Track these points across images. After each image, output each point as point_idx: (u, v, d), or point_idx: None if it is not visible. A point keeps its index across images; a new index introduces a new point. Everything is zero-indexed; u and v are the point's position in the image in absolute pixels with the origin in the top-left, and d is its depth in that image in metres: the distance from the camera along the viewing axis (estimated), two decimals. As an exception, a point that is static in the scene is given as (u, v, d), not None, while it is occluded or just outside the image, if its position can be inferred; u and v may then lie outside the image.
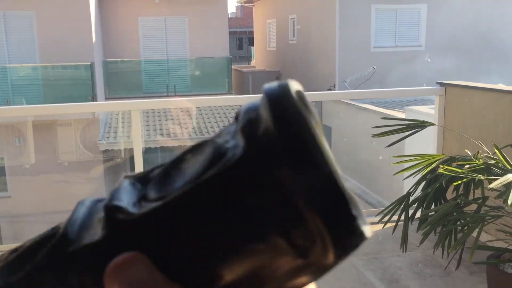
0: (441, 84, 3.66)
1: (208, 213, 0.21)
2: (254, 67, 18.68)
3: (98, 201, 0.24)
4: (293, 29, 14.19)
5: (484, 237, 2.68)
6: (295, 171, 0.20)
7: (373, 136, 2.65)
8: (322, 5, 12.14)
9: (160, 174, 0.23)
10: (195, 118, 10.54)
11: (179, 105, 9.29)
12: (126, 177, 0.24)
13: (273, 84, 0.23)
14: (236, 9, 32.31)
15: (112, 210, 0.21)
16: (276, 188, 0.20)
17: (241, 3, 19.92)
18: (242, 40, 29.43)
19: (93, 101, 10.19)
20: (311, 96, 5.45)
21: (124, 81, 12.14)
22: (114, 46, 12.34)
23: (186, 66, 12.61)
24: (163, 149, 10.20)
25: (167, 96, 11.93)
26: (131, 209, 0.21)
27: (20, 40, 10.64)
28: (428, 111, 5.13)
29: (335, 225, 0.20)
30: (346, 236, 0.20)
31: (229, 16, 15.81)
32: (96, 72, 10.71)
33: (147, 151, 9.55)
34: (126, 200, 0.22)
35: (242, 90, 14.43)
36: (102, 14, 12.12)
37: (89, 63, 10.36)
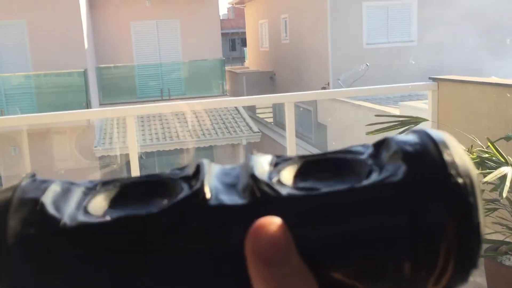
0: (434, 79, 3.67)
1: (354, 216, 0.22)
2: (247, 68, 18.69)
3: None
4: (286, 29, 14.20)
5: None
6: (450, 212, 0.22)
7: (367, 134, 2.66)
8: (314, 4, 12.16)
9: (303, 166, 0.24)
10: (190, 121, 10.53)
11: (175, 109, 9.28)
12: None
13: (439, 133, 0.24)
14: (227, 10, 32.32)
15: (261, 182, 0.23)
16: (424, 216, 0.21)
17: (233, 4, 19.93)
18: (234, 41, 29.44)
19: (87, 107, 10.17)
20: (305, 96, 5.46)
21: (118, 86, 12.13)
22: (107, 51, 12.32)
23: (180, 69, 12.61)
24: (159, 153, 10.19)
25: (162, 100, 11.92)
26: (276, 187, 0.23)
27: (12, 49, 10.61)
28: (422, 106, 5.14)
29: (460, 274, 0.22)
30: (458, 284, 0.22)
31: (220, 18, 15.81)
32: (90, 79, 10.70)
33: (143, 156, 9.54)
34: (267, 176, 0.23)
35: (237, 92, 14.44)
36: (94, 20, 12.10)
37: (82, 70, 10.34)
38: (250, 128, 10.24)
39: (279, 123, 12.53)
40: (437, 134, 0.24)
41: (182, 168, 0.25)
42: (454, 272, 0.22)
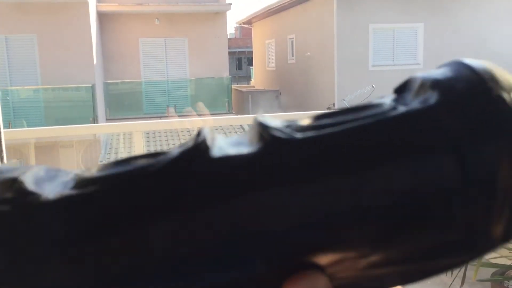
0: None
1: (387, 152, 0.19)
2: (253, 86, 18.81)
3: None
4: (292, 49, 14.33)
5: (487, 254, 2.68)
6: (502, 145, 0.19)
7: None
8: (320, 25, 12.29)
9: (318, 117, 0.21)
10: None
11: (181, 126, 9.33)
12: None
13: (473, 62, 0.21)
14: (235, 30, 32.67)
15: (271, 127, 0.19)
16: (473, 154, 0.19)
17: (240, 24, 20.16)
18: (241, 60, 29.68)
19: (94, 122, 10.24)
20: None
21: (125, 102, 12.23)
22: (115, 67, 12.45)
23: (186, 86, 12.71)
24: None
25: (168, 116, 11.99)
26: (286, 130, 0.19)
27: (22, 62, 10.75)
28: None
29: None
30: None
31: (228, 37, 15.99)
32: (97, 94, 10.79)
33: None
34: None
35: (242, 110, 14.51)
36: (103, 36, 12.26)
37: (90, 85, 10.45)
38: (255, 146, 10.26)
39: (284, 142, 12.54)
40: (474, 61, 0.21)
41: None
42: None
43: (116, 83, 12.30)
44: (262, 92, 16.12)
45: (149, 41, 12.70)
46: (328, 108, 11.19)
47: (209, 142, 0.19)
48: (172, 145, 10.59)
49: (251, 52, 20.24)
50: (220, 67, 12.72)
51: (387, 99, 0.21)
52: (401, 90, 0.21)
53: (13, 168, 0.20)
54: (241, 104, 15.13)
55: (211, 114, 11.33)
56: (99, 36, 11.87)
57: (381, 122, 0.19)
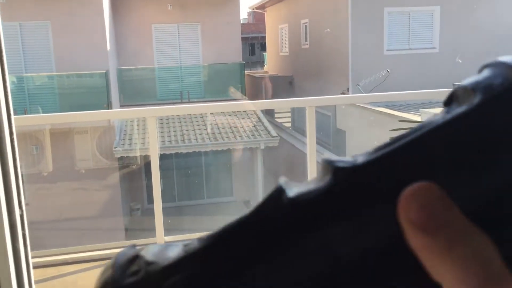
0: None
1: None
2: (267, 72, 18.71)
3: None
4: (306, 34, 14.19)
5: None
6: None
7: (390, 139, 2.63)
8: (334, 9, 12.13)
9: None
10: (209, 124, 10.58)
11: (194, 111, 9.34)
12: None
13: None
14: (248, 15, 32.44)
15: (330, 161, 0.21)
16: None
17: (253, 9, 20.00)
18: (254, 45, 29.51)
19: (108, 108, 10.30)
20: (327, 100, 5.45)
21: (138, 88, 12.26)
22: (128, 54, 12.47)
23: (199, 72, 12.69)
24: (177, 155, 10.25)
25: (181, 102, 12.01)
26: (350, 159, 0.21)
27: (36, 49, 10.81)
28: (444, 114, 5.07)
29: None
30: None
31: (241, 22, 15.88)
32: (111, 80, 10.83)
33: (162, 158, 9.61)
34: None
35: (255, 96, 14.46)
36: (116, 23, 12.26)
37: (104, 71, 10.48)
38: (269, 132, 10.24)
39: (298, 128, 12.51)
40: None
41: None
42: None
43: (130, 69, 12.32)
44: (275, 77, 16.03)
45: (162, 27, 12.67)
46: (342, 93, 11.10)
47: (285, 186, 0.21)
48: (186, 131, 10.57)
49: (264, 37, 20.10)
50: (233, 52, 12.66)
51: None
52: (449, 102, 0.22)
53: (130, 249, 0.23)
54: (254, 89, 15.07)
55: (224, 100, 11.31)
56: (112, 23, 11.87)
57: (432, 131, 0.20)
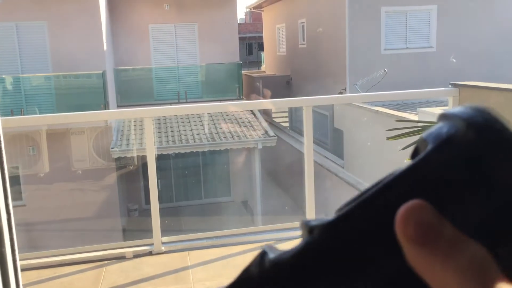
0: (454, 85, 3.62)
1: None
2: (264, 72, 18.69)
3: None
4: (303, 33, 14.18)
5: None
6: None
7: (388, 139, 2.62)
8: (332, 9, 12.12)
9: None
10: (206, 124, 10.56)
11: (191, 112, 9.31)
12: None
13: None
14: (245, 15, 32.41)
15: (306, 222, 0.24)
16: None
17: (250, 9, 19.98)
18: (251, 45, 29.49)
19: (105, 109, 10.27)
20: (324, 100, 5.43)
21: (135, 88, 12.23)
22: (125, 54, 12.44)
23: (197, 72, 12.66)
24: (175, 155, 10.23)
25: (178, 102, 11.98)
26: None
27: (33, 50, 10.77)
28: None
29: None
30: None
31: (238, 22, 15.87)
32: (108, 80, 10.80)
33: (159, 158, 9.58)
34: None
35: (253, 95, 14.44)
36: (113, 23, 12.23)
37: (101, 72, 10.45)
38: (266, 132, 10.22)
39: (295, 128, 12.50)
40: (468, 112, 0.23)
41: None
42: None
43: (127, 70, 12.29)
44: (273, 77, 16.01)
45: (159, 27, 12.64)
46: (340, 93, 11.09)
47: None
48: (183, 131, 10.51)
49: (262, 37, 20.08)
50: (230, 52, 12.64)
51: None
52: (415, 155, 0.25)
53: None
54: (252, 89, 15.05)
55: (222, 100, 11.29)
56: (109, 23, 11.84)
57: (389, 183, 0.23)
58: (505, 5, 11.39)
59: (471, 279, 0.19)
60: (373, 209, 0.22)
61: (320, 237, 0.22)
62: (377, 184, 0.23)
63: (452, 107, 3.78)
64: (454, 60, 10.57)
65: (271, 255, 0.23)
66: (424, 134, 0.24)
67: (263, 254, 0.23)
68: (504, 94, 3.24)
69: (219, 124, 10.56)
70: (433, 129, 0.24)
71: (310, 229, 0.23)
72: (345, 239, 0.22)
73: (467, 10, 11.33)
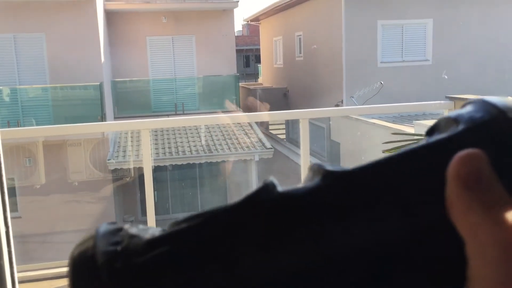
0: (450, 98, 3.65)
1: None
2: (261, 84, 18.77)
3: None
4: (300, 46, 14.27)
5: None
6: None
7: (384, 151, 2.64)
8: (328, 22, 12.22)
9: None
10: (203, 136, 10.57)
11: (188, 124, 9.32)
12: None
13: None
14: (242, 27, 32.61)
15: (320, 165, 0.23)
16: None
17: (248, 21, 20.11)
18: (249, 57, 29.64)
19: (102, 120, 10.27)
20: (320, 113, 5.45)
21: (133, 100, 12.25)
22: (122, 66, 12.48)
23: (194, 84, 12.70)
24: (171, 167, 10.22)
25: (176, 114, 12.00)
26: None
27: (30, 61, 10.80)
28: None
29: None
30: None
31: (235, 34, 15.96)
32: (105, 92, 10.82)
33: (156, 170, 9.57)
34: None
35: (250, 107, 14.48)
36: (111, 35, 12.29)
37: (98, 83, 10.47)
38: (263, 144, 10.23)
39: (292, 140, 12.52)
40: (495, 98, 0.23)
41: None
42: None
43: (124, 82, 12.32)
44: (270, 89, 16.08)
45: (156, 39, 12.70)
46: (336, 105, 11.14)
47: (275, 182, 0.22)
48: (180, 143, 10.52)
49: (259, 49, 20.19)
50: (227, 64, 12.70)
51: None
52: (431, 132, 0.24)
53: (111, 223, 0.23)
54: (249, 101, 15.10)
55: (219, 112, 11.32)
56: (106, 35, 11.89)
57: (413, 151, 0.22)
58: (500, 19, 11.52)
59: (507, 233, 0.20)
60: (394, 169, 0.22)
61: (335, 181, 0.22)
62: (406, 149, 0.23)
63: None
64: (446, 77, 10.65)
65: (280, 188, 0.22)
66: (451, 114, 0.24)
67: (271, 185, 0.22)
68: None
69: (216, 136, 10.57)
70: (462, 111, 0.24)
71: (325, 172, 0.22)
72: (359, 191, 0.22)
73: (463, 24, 11.44)
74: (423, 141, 0.24)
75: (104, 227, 0.23)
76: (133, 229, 0.22)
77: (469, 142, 0.22)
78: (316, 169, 0.23)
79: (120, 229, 0.22)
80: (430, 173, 0.22)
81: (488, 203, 0.20)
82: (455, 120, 0.23)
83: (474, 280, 0.20)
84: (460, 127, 0.23)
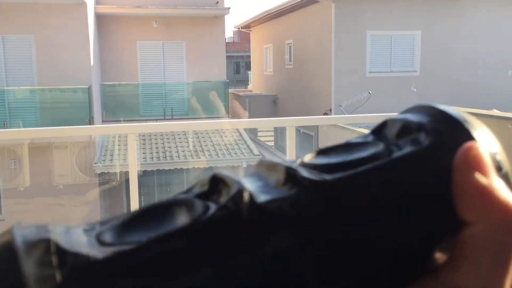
0: (435, 110, 3.69)
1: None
2: (251, 91, 18.81)
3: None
4: (290, 54, 14.35)
5: None
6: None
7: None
8: (318, 31, 12.31)
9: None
10: (191, 141, 10.55)
11: (175, 129, 9.31)
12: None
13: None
14: (233, 34, 32.70)
15: (298, 169, 0.21)
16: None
17: (239, 28, 20.18)
18: (239, 64, 29.71)
19: (90, 124, 10.21)
20: (307, 121, 5.48)
21: (121, 104, 12.20)
22: (112, 69, 12.43)
23: (183, 89, 12.69)
24: (159, 172, 10.18)
25: (164, 119, 11.97)
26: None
27: (19, 63, 10.72)
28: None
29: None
30: None
31: (226, 41, 16.00)
32: (94, 95, 10.77)
33: (143, 174, 9.52)
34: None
35: (239, 114, 14.49)
36: (101, 38, 12.25)
37: (87, 86, 10.42)
38: (251, 150, 10.25)
39: (280, 147, 12.55)
40: (444, 106, 0.23)
41: (188, 190, 0.22)
42: None
43: (113, 85, 12.27)
44: (259, 96, 16.12)
45: (146, 43, 12.69)
46: (325, 114, 11.20)
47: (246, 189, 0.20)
48: (168, 148, 10.51)
49: (249, 56, 20.26)
50: (217, 71, 12.72)
51: (369, 138, 0.23)
52: (379, 131, 0.24)
53: (32, 229, 0.19)
54: (238, 108, 15.12)
55: (208, 118, 11.31)
56: (96, 38, 11.85)
57: (392, 162, 0.21)
58: (488, 31, 11.70)
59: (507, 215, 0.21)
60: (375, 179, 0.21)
61: (313, 194, 0.20)
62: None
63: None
64: (415, 90, 10.78)
65: (260, 198, 0.20)
66: (408, 117, 0.23)
67: (248, 194, 0.20)
68: (484, 119, 3.32)
69: (204, 141, 10.57)
70: (417, 118, 0.23)
71: (302, 179, 0.20)
72: (341, 202, 0.20)
73: (451, 36, 11.60)
74: (369, 138, 0.23)
75: (23, 237, 0.18)
76: (61, 240, 0.19)
77: (439, 157, 0.21)
78: (287, 171, 0.21)
79: (46, 240, 0.18)
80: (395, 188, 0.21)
81: (497, 186, 0.21)
82: (418, 128, 0.22)
83: (474, 265, 0.20)
84: (426, 139, 0.22)
